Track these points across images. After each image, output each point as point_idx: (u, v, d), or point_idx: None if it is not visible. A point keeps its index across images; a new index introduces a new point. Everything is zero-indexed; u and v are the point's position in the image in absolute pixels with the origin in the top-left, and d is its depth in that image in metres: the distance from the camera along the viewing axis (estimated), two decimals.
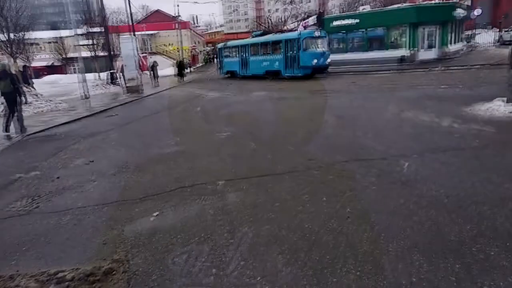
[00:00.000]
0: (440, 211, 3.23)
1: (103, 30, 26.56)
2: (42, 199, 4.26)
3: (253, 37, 25.81)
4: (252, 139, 6.53)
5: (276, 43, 21.52)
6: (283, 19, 71.08)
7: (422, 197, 3.54)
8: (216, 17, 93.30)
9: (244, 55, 24.36)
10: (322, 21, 27.06)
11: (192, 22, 67.37)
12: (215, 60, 74.21)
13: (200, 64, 62.08)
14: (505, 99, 7.63)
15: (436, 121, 6.95)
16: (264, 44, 22.62)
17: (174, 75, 31.04)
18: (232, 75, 26.07)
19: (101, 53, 30.28)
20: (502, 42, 29.76)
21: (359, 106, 9.61)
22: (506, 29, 31.28)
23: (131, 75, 17.99)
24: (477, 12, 25.21)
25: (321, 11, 30.51)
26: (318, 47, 19.82)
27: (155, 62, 26.57)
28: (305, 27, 32.13)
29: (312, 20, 30.83)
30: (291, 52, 19.95)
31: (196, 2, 41.25)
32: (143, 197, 4.05)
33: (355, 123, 7.45)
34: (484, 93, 10.01)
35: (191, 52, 57.93)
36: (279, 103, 11.70)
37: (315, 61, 19.34)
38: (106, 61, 26.04)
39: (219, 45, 29.61)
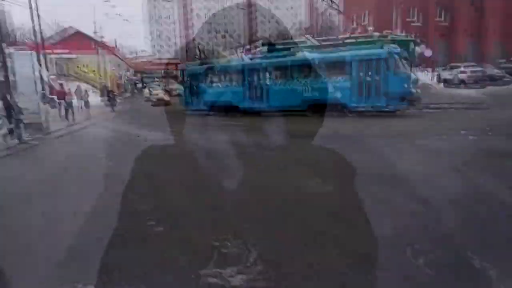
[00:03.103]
0: None
1: None
2: None
3: (269, 51, 18.54)
4: None
5: (335, 63, 15.55)
6: (211, 49, 68.72)
7: None
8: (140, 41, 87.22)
9: (254, 80, 17.38)
10: (272, 49, 24.32)
11: (116, 47, 61.07)
12: (140, 88, 68.29)
13: (123, 92, 55.67)
14: None
15: None
16: (306, 65, 16.16)
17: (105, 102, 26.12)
18: (218, 109, 18.19)
19: None
20: (442, 81, 30.03)
21: (408, 173, 6.05)
22: (443, 67, 31.91)
23: (29, 106, 12.54)
24: (428, 52, 24.64)
25: (269, 39, 27.92)
26: (408, 70, 14.98)
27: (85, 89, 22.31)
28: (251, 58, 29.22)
29: (257, 47, 28.07)
30: (368, 76, 14.60)
31: (119, 15, 34.45)
32: None
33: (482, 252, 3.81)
34: None
35: (116, 80, 51.75)
36: (264, 161, 7.71)
37: (411, 87, 14.57)
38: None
39: (191, 68, 20.75)
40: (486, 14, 42.87)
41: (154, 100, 28.78)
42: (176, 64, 79.73)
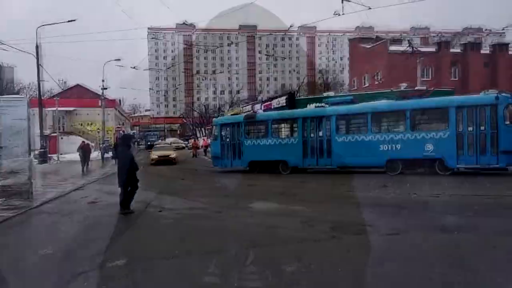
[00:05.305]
0: None
1: None
2: None
3: (331, 104, 15.60)
4: None
5: (428, 111, 13.00)
6: (217, 106, 67.57)
7: None
8: (143, 100, 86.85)
9: (314, 133, 14.82)
10: (293, 102, 22.32)
11: (119, 102, 59.86)
12: (138, 144, 65.29)
13: None
14: None
15: None
16: (387, 114, 13.80)
17: (111, 157, 23.95)
18: (264, 167, 15.67)
19: None
20: None
21: None
22: None
23: (14, 163, 9.62)
24: None
25: (292, 92, 26.11)
26: None
27: (86, 143, 21.49)
28: (265, 110, 27.29)
29: (276, 102, 26.14)
30: (473, 128, 12.06)
31: (134, 67, 31.24)
32: None
33: None
34: None
35: (116, 134, 49.48)
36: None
37: None
38: None
39: (222, 120, 18.83)
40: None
41: (155, 157, 23.12)
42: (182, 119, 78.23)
